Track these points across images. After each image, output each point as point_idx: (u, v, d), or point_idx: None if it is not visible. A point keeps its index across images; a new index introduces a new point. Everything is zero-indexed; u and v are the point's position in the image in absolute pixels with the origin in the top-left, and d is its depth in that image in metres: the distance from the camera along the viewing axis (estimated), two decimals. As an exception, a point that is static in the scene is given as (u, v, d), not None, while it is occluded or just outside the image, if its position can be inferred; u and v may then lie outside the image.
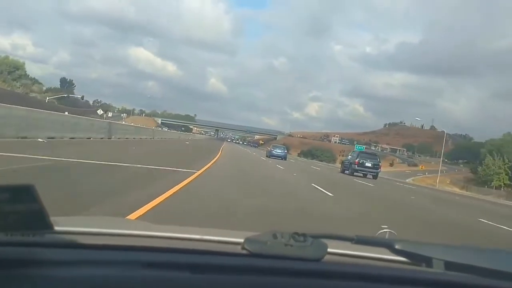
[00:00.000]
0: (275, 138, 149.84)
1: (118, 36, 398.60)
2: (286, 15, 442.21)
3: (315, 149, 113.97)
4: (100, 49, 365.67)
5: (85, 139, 18.38)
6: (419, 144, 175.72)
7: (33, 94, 75.85)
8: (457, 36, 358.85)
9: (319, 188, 13.07)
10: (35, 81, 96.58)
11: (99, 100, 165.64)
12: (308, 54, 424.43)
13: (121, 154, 14.22)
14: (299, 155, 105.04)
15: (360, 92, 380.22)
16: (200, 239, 1.14)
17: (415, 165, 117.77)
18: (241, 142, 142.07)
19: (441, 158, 59.96)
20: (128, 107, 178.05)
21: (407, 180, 49.22)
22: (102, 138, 21.21)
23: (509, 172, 60.04)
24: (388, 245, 1.05)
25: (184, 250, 1.01)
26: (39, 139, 13.60)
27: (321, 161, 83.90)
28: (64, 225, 1.07)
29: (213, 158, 19.02)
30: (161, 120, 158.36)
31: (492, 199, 37.26)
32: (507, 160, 60.41)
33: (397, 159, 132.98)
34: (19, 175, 6.23)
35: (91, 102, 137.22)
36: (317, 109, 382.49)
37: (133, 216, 4.62)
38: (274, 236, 0.95)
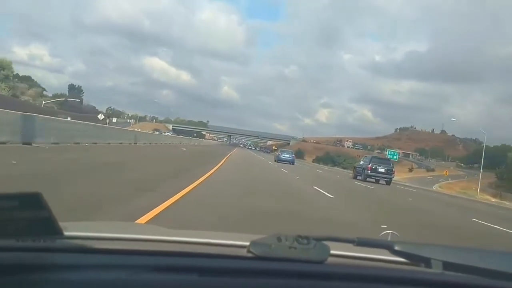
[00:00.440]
0: (288, 144, 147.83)
1: (133, 46, 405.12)
2: (298, 26, 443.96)
3: (336, 155, 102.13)
4: (115, 59, 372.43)
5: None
6: (431, 148, 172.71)
7: (25, 98, 72.43)
8: (464, 43, 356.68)
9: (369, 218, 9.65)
10: (34, 83, 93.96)
11: (112, 107, 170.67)
12: (319, 62, 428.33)
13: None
14: (314, 161, 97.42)
15: (369, 98, 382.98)
16: (207, 243, 1.15)
17: (432, 170, 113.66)
18: (253, 148, 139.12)
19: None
20: (141, 114, 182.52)
21: (434, 188, 45.61)
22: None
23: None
24: (388, 247, 1.06)
25: (191, 254, 1.03)
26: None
27: (345, 168, 69.94)
28: (73, 230, 1.09)
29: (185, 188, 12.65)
30: (172, 126, 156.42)
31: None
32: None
33: (413, 164, 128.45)
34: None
35: (104, 109, 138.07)
36: (327, 115, 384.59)
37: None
38: (279, 239, 0.97)
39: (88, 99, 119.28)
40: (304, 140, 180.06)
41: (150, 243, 1.13)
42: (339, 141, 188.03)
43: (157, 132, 70.31)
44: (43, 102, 68.80)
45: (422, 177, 77.42)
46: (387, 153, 45.75)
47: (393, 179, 28.89)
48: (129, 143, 25.99)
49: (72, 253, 0.95)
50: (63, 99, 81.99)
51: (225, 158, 26.62)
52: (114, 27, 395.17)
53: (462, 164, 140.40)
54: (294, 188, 14.46)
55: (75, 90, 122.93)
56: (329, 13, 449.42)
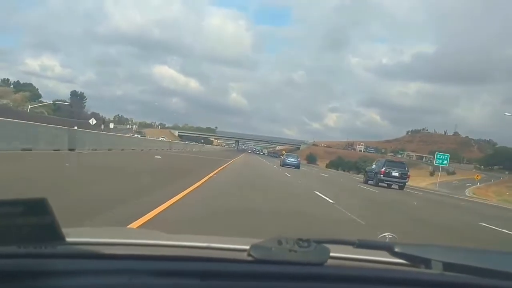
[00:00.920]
0: (298, 148, 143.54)
1: (143, 55, 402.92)
2: (306, 31, 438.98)
3: (362, 160, 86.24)
4: (125, 68, 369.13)
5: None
6: (445, 150, 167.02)
7: (4, 101, 68.50)
8: (471, 44, 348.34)
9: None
10: (33, 89, 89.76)
11: (120, 114, 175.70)
12: (326, 67, 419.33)
13: None
14: (328, 166, 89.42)
15: (377, 102, 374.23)
16: (207, 247, 1.15)
17: (453, 173, 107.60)
18: (261, 153, 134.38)
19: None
20: (148, 121, 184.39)
21: (467, 194, 40.36)
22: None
23: None
24: (388, 248, 1.07)
25: (191, 258, 1.03)
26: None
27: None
28: (76, 236, 1.10)
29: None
30: (178, 132, 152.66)
31: None
32: None
33: (430, 167, 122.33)
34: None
35: (112, 116, 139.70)
36: (335, 119, 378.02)
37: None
38: (279, 242, 0.97)
39: (94, 106, 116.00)
40: (314, 144, 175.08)
41: (151, 248, 1.13)
42: (350, 145, 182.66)
43: (138, 136, 56.16)
44: (29, 107, 65.37)
45: (446, 182, 71.64)
46: (435, 157, 40.53)
47: (406, 183, 26.89)
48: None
49: (73, 259, 0.95)
50: (49, 102, 78.20)
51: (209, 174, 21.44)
52: (124, 37, 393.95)
53: (482, 167, 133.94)
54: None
55: (77, 96, 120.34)
56: (336, 16, 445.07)
